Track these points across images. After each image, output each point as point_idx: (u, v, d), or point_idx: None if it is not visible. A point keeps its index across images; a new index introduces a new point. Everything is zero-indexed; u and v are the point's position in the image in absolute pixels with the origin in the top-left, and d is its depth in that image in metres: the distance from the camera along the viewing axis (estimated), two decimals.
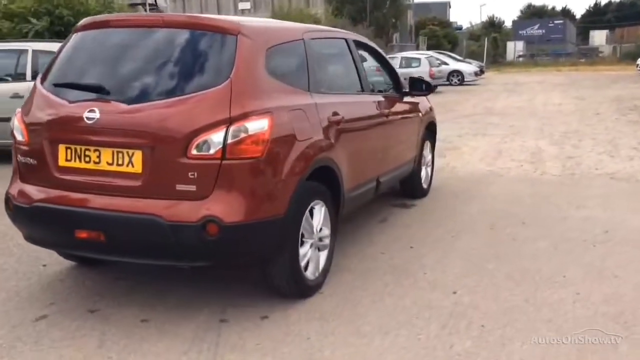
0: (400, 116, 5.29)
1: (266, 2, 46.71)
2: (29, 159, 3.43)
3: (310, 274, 3.69)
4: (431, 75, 22.91)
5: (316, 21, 26.07)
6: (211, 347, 3.09)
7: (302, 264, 3.56)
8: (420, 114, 5.77)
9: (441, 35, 48.45)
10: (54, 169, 3.31)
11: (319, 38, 4.16)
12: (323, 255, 3.87)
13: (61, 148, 3.29)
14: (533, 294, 3.71)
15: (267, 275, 3.52)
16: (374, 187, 4.67)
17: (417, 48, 43.35)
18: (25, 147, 3.45)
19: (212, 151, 3.05)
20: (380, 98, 4.96)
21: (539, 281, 3.91)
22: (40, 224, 3.40)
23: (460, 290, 3.79)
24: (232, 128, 3.06)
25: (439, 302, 3.62)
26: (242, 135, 3.09)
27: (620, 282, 3.88)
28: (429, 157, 6.33)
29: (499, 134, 11.22)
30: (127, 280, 3.96)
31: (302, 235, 3.57)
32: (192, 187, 3.06)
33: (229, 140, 3.05)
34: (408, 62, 23.78)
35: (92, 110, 3.15)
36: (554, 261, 4.28)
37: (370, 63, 5.36)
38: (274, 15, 25.24)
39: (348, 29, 28.12)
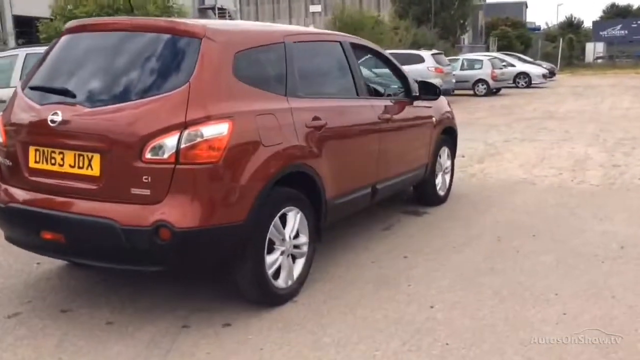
0: (406, 121, 5.13)
1: (337, 5, 46.74)
2: (7, 160, 3.53)
3: (282, 282, 3.61)
4: (493, 78, 22.29)
5: (378, 22, 25.88)
6: (162, 353, 3.07)
7: (270, 271, 3.49)
8: (433, 119, 5.56)
9: (513, 36, 47.01)
10: (25, 171, 3.39)
11: (304, 41, 4.07)
12: (300, 263, 3.79)
13: (31, 150, 3.37)
14: (515, 313, 3.49)
15: (232, 281, 3.47)
16: (368, 195, 4.54)
17: (488, 50, 42.29)
18: (3, 149, 3.55)
19: (165, 155, 3.03)
20: (381, 102, 4.81)
21: (527, 298, 3.68)
22: (14, 224, 3.50)
23: (439, 305, 3.61)
24: (186, 132, 3.03)
25: (411, 316, 3.46)
26: (197, 140, 3.05)
27: (616, 304, 3.59)
28: (447, 163, 6.10)
29: (549, 140, 10.72)
30: (110, 281, 4.01)
31: (272, 242, 3.51)
32: (147, 191, 3.05)
33: (183, 145, 3.03)
34: (470, 64, 23.19)
35: (55, 113, 3.21)
36: (552, 277, 4.01)
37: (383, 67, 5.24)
38: (335, 18, 25.27)
39: (410, 31, 27.82)
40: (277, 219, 3.51)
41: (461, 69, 22.77)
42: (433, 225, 5.30)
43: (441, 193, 6.00)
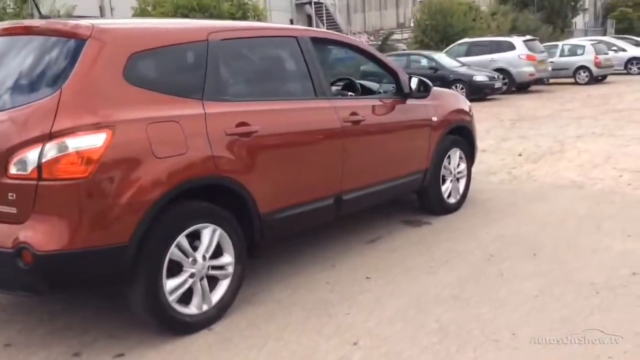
0: (391, 123, 4.57)
1: None
2: None
3: (194, 307, 3.27)
4: (596, 64, 20.40)
5: (472, 9, 24.54)
6: None
7: (174, 296, 3.15)
8: (434, 119, 4.94)
9: (635, 17, 43.05)
10: None
11: (237, 38, 3.67)
12: (223, 286, 3.43)
13: None
14: (449, 356, 2.92)
15: (128, 305, 3.18)
16: (331, 207, 4.07)
17: (605, 33, 39.07)
18: None
19: (28, 170, 2.78)
20: (349, 103, 4.31)
21: (476, 337, 3.08)
22: None
23: (365, 341, 3.11)
24: (48, 145, 2.76)
25: (322, 354, 3.00)
26: (63, 152, 2.77)
27: (581, 351, 2.90)
28: (461, 167, 5.44)
29: (630, 135, 9.49)
30: (45, 298, 3.82)
31: (179, 264, 3.17)
32: (13, 210, 2.83)
33: (45, 159, 2.76)
34: (571, 50, 21.34)
35: None
36: (521, 311, 3.36)
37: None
38: (424, 6, 24.21)
39: (509, 15, 26.14)
40: (182, 237, 3.16)
41: (561, 56, 21.05)
42: (424, 239, 4.70)
43: (451, 201, 5.35)
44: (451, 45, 20.15)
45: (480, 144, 9.40)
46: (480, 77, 16.41)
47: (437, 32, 22.48)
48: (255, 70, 3.90)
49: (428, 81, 4.81)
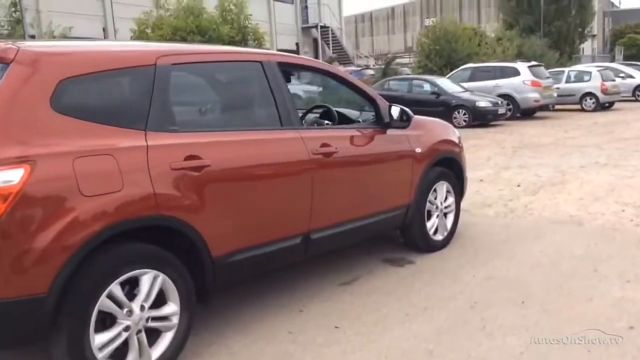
0: (368, 155, 4.22)
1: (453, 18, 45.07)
2: None
3: None
4: (603, 91, 20.04)
5: (477, 34, 24.30)
6: None
7: (104, 353, 2.78)
8: (417, 150, 4.57)
9: None
10: None
11: (190, 63, 3.35)
12: (166, 338, 3.06)
13: None
14: None
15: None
16: (297, 246, 3.70)
17: (613, 60, 38.79)
18: None
19: None
20: (320, 133, 3.96)
21: None
22: None
23: None
24: None
25: None
26: None
27: None
28: (449, 201, 5.05)
29: (635, 166, 9.09)
30: None
31: (112, 316, 2.81)
32: None
33: None
34: (579, 76, 20.98)
35: None
36: None
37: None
38: (428, 30, 23.96)
39: (514, 40, 25.87)
40: (115, 286, 2.79)
41: (567, 82, 20.72)
42: (405, 281, 4.31)
43: (437, 237, 4.96)
44: (455, 70, 19.87)
45: (478, 172, 9.09)
46: (483, 103, 16.08)
47: (441, 57, 22.23)
48: (212, 99, 3.58)
49: (409, 110, 4.45)
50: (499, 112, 16.26)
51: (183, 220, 3.03)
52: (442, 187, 4.96)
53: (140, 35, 15.94)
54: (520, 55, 25.33)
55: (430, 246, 4.89)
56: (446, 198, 5.03)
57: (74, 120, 2.76)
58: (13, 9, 12.44)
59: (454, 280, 4.26)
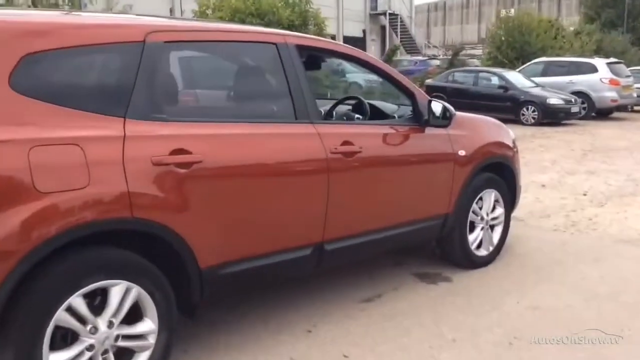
0: (399, 154, 3.68)
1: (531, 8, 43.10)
2: None
3: None
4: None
5: (553, 26, 22.88)
6: None
7: None
8: (461, 153, 3.98)
9: None
10: None
11: (187, 41, 2.89)
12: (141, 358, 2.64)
13: None
14: None
15: None
16: (308, 258, 3.21)
17: None
18: None
19: None
20: (345, 129, 3.45)
21: None
22: None
23: None
24: None
25: None
26: None
27: None
28: (497, 212, 4.43)
29: None
30: None
31: (74, 333, 2.42)
32: None
33: None
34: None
35: None
36: None
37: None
38: (501, 21, 22.69)
39: (594, 35, 24.30)
40: (76, 298, 2.39)
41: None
42: (435, 303, 3.75)
43: (481, 253, 4.36)
44: (526, 64, 18.74)
45: (541, 177, 8.30)
46: (554, 100, 15.02)
47: (513, 49, 21.03)
48: (211, 84, 3.12)
49: (450, 107, 3.86)
50: (572, 111, 15.16)
51: (164, 225, 2.59)
52: (490, 196, 4.34)
53: (200, 16, 15.76)
54: (600, 51, 23.75)
55: (471, 262, 4.30)
56: (494, 208, 4.41)
57: (37, 102, 2.36)
58: None
59: (493, 307, 3.67)
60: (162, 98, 2.71)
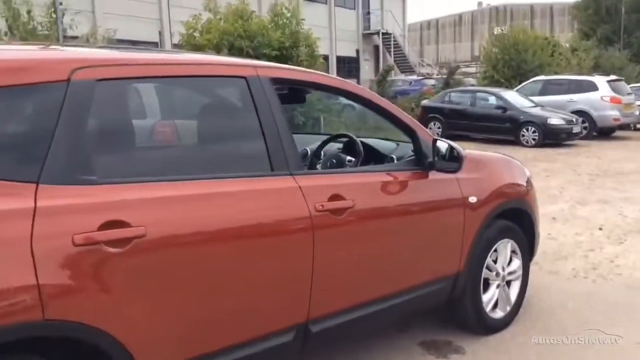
0: (399, 205, 3.04)
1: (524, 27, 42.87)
2: None
3: None
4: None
5: (549, 43, 22.43)
6: None
7: None
8: (471, 199, 3.35)
9: None
10: None
11: (128, 78, 2.25)
12: None
13: None
14: None
15: None
16: (289, 345, 2.56)
17: None
18: None
19: None
20: (333, 179, 2.82)
21: None
22: None
23: None
24: None
25: None
26: None
27: None
28: (514, 265, 3.80)
29: None
30: None
31: None
32: None
33: None
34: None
35: None
36: None
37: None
38: (495, 37, 22.21)
39: (591, 52, 23.87)
40: None
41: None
42: None
43: (497, 315, 3.71)
44: (524, 83, 18.23)
45: (550, 208, 7.60)
46: (555, 120, 14.45)
47: (509, 68, 20.53)
48: (161, 132, 2.46)
49: (459, 148, 3.23)
50: (574, 131, 14.60)
51: (92, 327, 1.94)
52: (506, 247, 3.71)
53: (188, 39, 15.17)
54: (598, 68, 23.32)
55: (486, 327, 3.65)
56: (510, 261, 3.77)
57: None
58: (52, 8, 11.85)
59: None
60: (92, 153, 2.07)
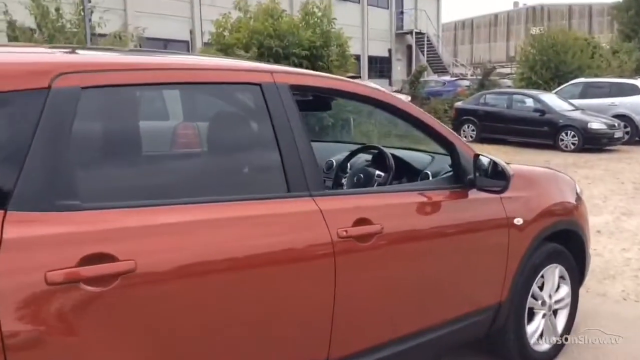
0: (434, 228, 2.67)
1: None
2: None
3: None
4: None
5: (590, 45, 21.65)
6: None
7: None
8: (517, 221, 2.96)
9: None
10: None
11: (120, 85, 1.93)
12: None
13: None
14: None
15: None
16: None
17: None
18: None
19: None
20: (359, 201, 2.47)
21: None
22: None
23: None
24: None
25: None
26: None
27: None
28: (562, 292, 3.40)
29: None
30: None
31: None
32: None
33: None
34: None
35: None
36: None
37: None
38: (534, 38, 21.49)
39: (633, 54, 23.01)
40: None
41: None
42: None
43: (543, 347, 3.32)
44: (563, 85, 17.57)
45: (594, 219, 6.90)
46: (596, 125, 13.82)
47: (548, 69, 19.83)
48: (159, 147, 2.15)
49: (503, 163, 2.84)
50: (615, 136, 13.95)
51: None
52: (554, 273, 3.31)
53: (217, 38, 14.96)
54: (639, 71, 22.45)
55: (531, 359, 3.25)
56: (558, 288, 3.38)
57: None
58: (82, 6, 11.75)
59: None
60: (74, 173, 1.76)
